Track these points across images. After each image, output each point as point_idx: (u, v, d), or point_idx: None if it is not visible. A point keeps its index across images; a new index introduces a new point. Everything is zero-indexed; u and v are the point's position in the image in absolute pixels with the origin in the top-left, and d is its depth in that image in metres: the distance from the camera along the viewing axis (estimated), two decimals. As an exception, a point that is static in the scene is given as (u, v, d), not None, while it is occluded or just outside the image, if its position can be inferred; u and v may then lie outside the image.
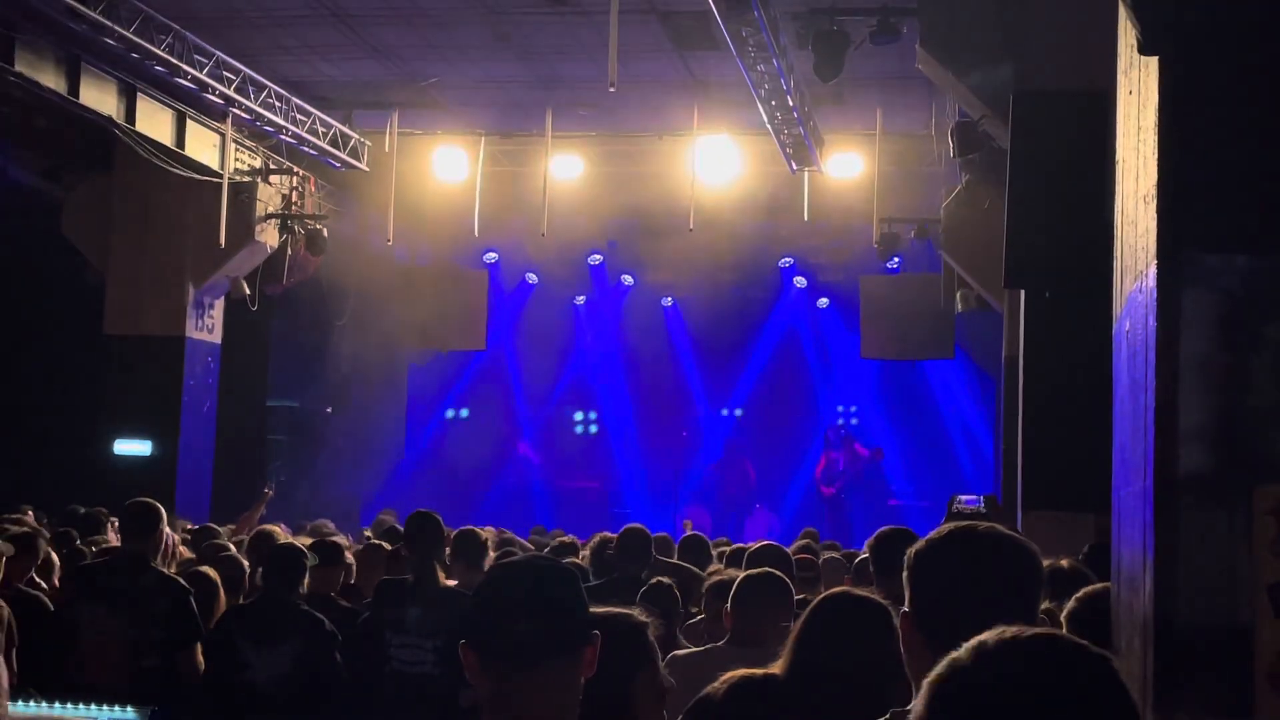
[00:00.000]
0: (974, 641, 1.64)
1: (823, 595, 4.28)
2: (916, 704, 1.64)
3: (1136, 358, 2.95)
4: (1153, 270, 2.77)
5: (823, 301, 23.16)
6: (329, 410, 21.74)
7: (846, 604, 4.05)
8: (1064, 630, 3.86)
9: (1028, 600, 2.61)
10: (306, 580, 7.64)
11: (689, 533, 9.55)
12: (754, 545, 7.82)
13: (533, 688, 2.68)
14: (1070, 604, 3.96)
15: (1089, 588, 3.87)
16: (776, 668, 4.09)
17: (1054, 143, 8.62)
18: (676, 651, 5.62)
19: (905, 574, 2.69)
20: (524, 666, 2.69)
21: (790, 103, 14.08)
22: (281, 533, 11.39)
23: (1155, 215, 2.76)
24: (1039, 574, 2.65)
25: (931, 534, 2.73)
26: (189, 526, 11.85)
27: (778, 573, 5.49)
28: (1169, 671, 2.67)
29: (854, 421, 23.04)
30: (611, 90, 11.98)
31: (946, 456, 22.25)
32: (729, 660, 5.07)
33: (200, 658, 7.33)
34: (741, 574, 5.61)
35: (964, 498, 9.87)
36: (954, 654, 1.64)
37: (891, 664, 3.83)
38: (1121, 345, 3.30)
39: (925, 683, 1.64)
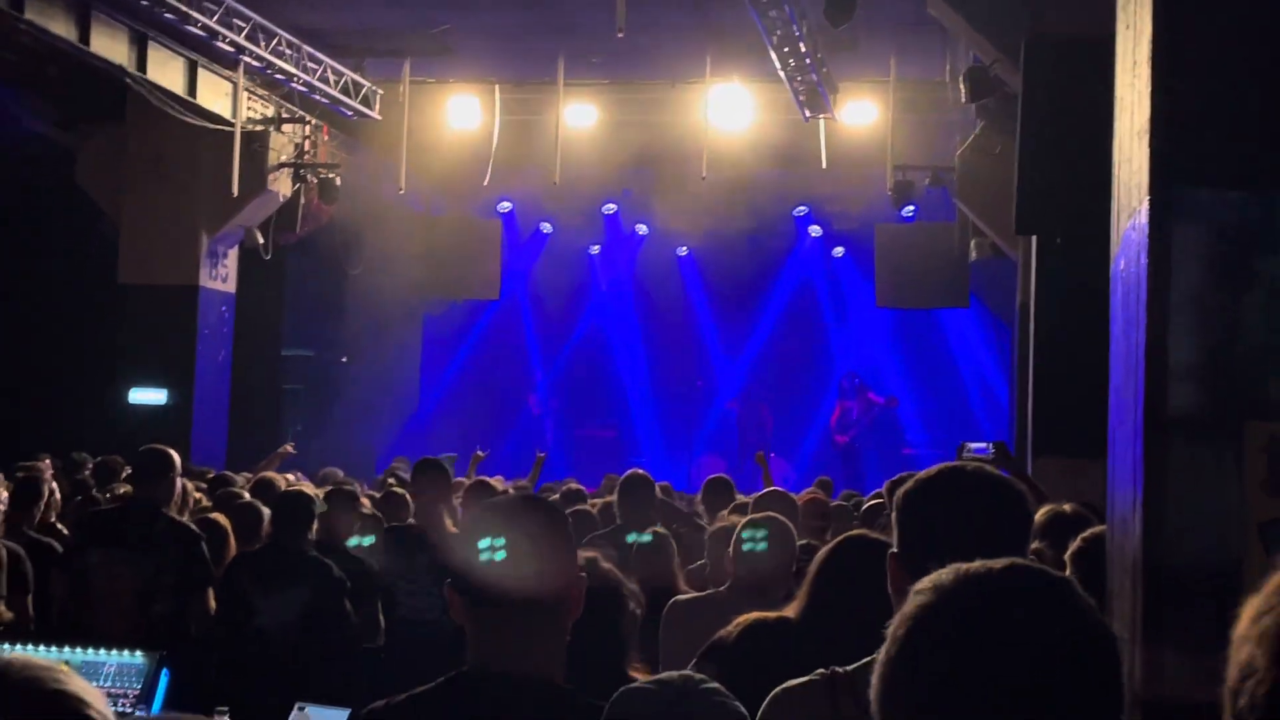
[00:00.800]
0: (933, 577, 1.63)
1: (839, 538, 4.27)
2: (886, 642, 1.63)
3: (1129, 295, 2.92)
4: (1145, 206, 2.74)
5: (838, 250, 23.06)
6: (344, 360, 21.77)
7: (862, 546, 4.05)
8: (1068, 570, 3.85)
9: (1014, 540, 2.58)
10: (315, 527, 7.68)
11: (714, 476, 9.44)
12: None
13: (515, 629, 2.67)
14: (1075, 543, 3.94)
15: (1095, 528, 3.85)
16: (790, 610, 4.10)
17: (1065, 88, 8.54)
18: (678, 597, 5.63)
19: (893, 514, 2.68)
20: (505, 608, 2.67)
21: (803, 49, 13.97)
22: (295, 480, 11.44)
23: (1149, 150, 2.72)
24: (1026, 514, 2.63)
25: (919, 474, 2.71)
26: (209, 475, 11.87)
27: (781, 518, 5.47)
28: (1158, 610, 2.66)
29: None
30: (620, 36, 11.90)
31: (961, 405, 22.22)
32: (730, 606, 5.08)
33: (211, 603, 7.37)
34: (744, 520, 5.60)
35: (973, 445, 9.85)
36: (917, 588, 1.63)
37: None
38: (1116, 284, 3.27)
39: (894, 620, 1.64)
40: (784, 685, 2.69)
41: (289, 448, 13.35)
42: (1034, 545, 2.65)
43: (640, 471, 8.22)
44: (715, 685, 2.34)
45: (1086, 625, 1.56)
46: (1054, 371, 9.22)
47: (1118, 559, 3.05)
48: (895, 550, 2.66)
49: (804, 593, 4.10)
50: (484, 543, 2.73)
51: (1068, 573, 3.77)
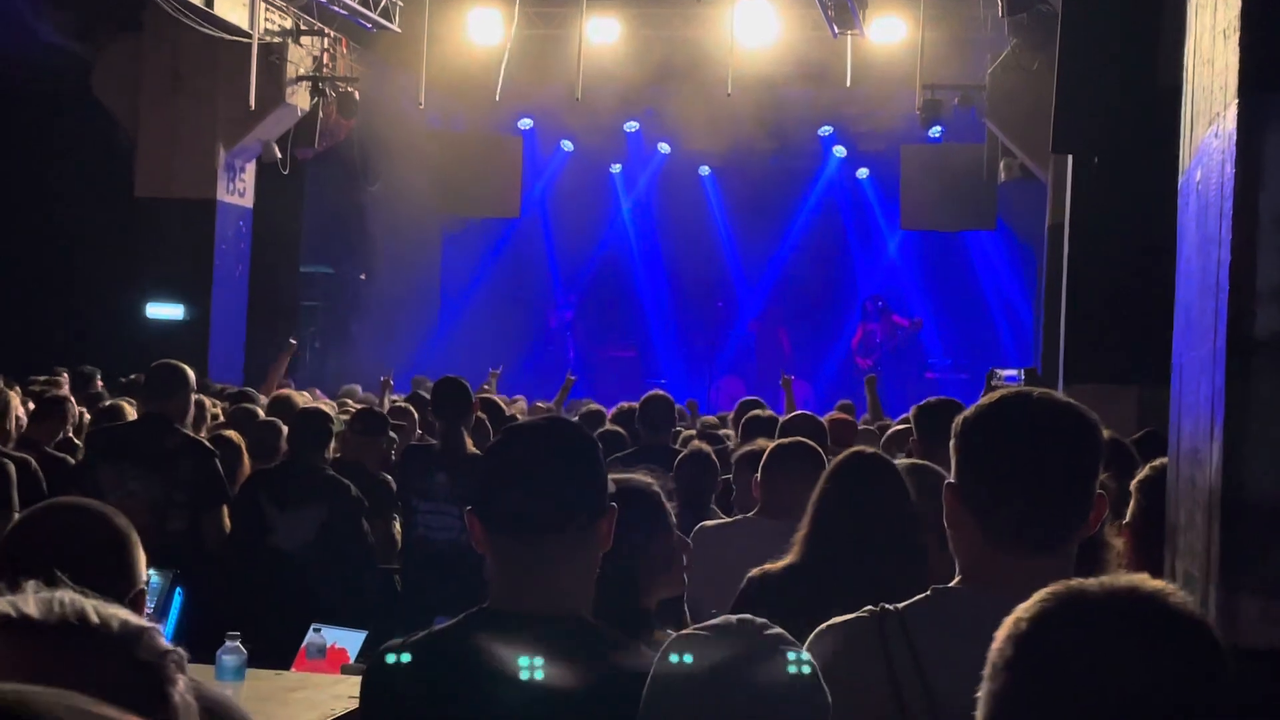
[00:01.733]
0: (1043, 598, 1.54)
1: (836, 459, 4.14)
2: (993, 649, 1.51)
3: (1209, 210, 2.71)
4: (1232, 110, 2.52)
5: (862, 172, 22.76)
6: (363, 276, 21.60)
7: (859, 469, 3.94)
8: (1134, 499, 3.69)
9: (1086, 474, 2.41)
10: (333, 445, 7.56)
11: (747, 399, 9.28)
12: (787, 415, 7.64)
13: (540, 560, 2.49)
14: (1144, 471, 3.79)
15: (1163, 458, 3.71)
16: (796, 543, 4.00)
17: (1108, 1, 8.25)
18: (705, 522, 5.49)
19: (952, 442, 2.49)
20: (530, 538, 2.49)
21: (833, -38, 13.65)
22: (311, 397, 11.32)
23: (1238, 48, 2.51)
24: (1099, 445, 2.44)
25: (981, 400, 2.53)
26: (230, 391, 11.76)
27: (810, 442, 5.30)
28: (1236, 547, 2.47)
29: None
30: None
31: (985, 328, 22.03)
32: (758, 532, 4.94)
33: (226, 520, 7.26)
34: (772, 444, 5.43)
35: (1003, 372, 9.67)
36: (1023, 610, 1.55)
37: (907, 525, 3.71)
38: (1190, 198, 3.06)
39: (1002, 633, 1.54)
40: (829, 622, 2.52)
41: (292, 342, 13.07)
42: (1101, 477, 2.46)
43: (661, 392, 8.06)
44: (778, 630, 2.16)
45: (1216, 664, 1.45)
46: (1089, 296, 9.01)
47: (1186, 491, 2.87)
48: (954, 482, 2.47)
49: (806, 525, 3.99)
50: (508, 468, 2.54)
51: (1132, 503, 3.62)
